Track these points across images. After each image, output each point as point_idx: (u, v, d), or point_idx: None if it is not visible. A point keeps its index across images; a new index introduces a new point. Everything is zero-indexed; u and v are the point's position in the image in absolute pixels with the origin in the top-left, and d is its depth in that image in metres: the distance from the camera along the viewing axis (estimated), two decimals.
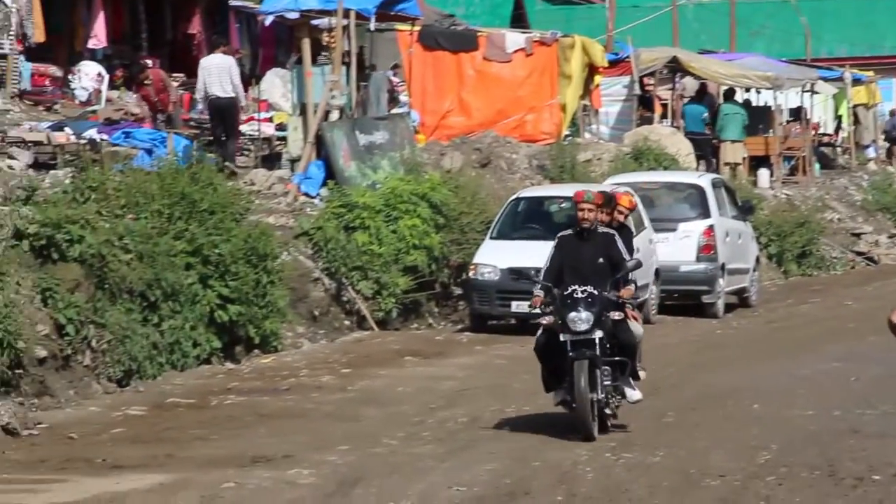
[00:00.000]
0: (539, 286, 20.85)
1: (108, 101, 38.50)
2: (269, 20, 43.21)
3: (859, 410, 25.55)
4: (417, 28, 45.38)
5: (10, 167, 30.72)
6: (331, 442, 22.55)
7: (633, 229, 24.72)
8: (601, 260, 20.61)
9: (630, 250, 22.18)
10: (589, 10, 71.75)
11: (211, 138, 38.38)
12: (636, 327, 21.71)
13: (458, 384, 28.21)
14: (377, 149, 38.36)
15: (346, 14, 39.42)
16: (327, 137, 37.84)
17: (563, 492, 19.83)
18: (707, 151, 53.17)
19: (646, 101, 55.25)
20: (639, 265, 21.65)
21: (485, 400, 26.49)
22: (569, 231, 21.42)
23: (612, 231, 21.47)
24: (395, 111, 41.77)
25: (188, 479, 20.05)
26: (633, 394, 21.62)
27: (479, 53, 47.16)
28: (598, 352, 20.58)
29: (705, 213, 38.75)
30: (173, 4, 44.48)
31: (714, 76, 56.74)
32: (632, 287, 21.23)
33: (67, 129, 34.53)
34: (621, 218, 23.00)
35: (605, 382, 20.90)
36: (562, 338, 20.13)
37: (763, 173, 55.00)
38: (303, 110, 38.50)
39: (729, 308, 39.01)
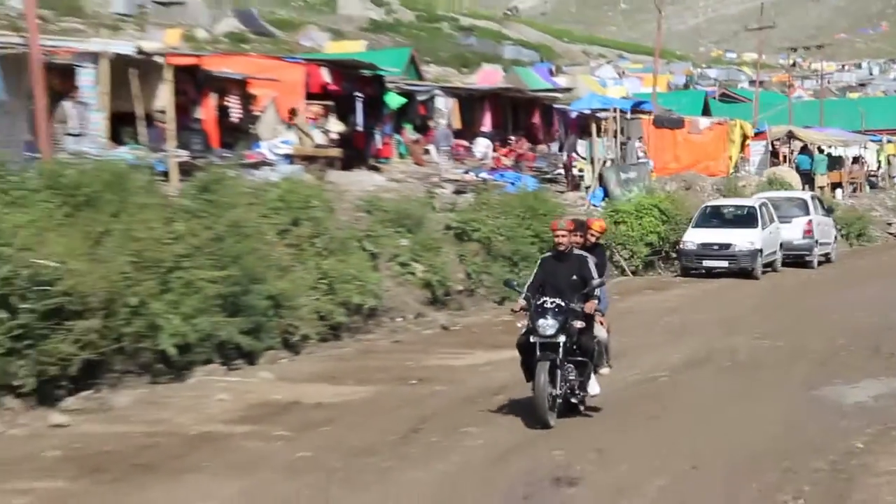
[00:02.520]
0: (522, 296, 15.08)
1: (492, 159, 38.88)
2: (574, 114, 43.50)
3: (893, 315, 25.14)
4: (652, 117, 45.38)
5: (442, 192, 31.19)
6: None
7: (604, 248, 17.84)
8: (574, 277, 14.95)
9: (603, 265, 16.29)
10: (744, 105, 70.66)
11: (547, 176, 39.02)
12: (601, 332, 15.56)
13: (674, 304, 28.06)
14: (631, 181, 38.31)
15: (615, 110, 39.64)
16: (604, 175, 37.89)
17: (729, 359, 19.80)
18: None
19: (774, 154, 54.56)
20: (602, 284, 15.43)
21: (688, 312, 26.42)
22: (549, 253, 15.52)
23: (584, 254, 15.38)
24: (640, 161, 41.77)
25: None
26: (593, 388, 15.18)
27: (685, 129, 46.92)
28: (560, 354, 14.58)
29: (807, 213, 38.11)
30: (524, 107, 44.70)
31: (812, 140, 55.95)
32: (595, 301, 15.04)
33: (471, 173, 34.97)
34: (593, 239, 16.60)
35: (570, 377, 14.78)
36: (531, 339, 14.65)
37: (838, 192, 54.09)
38: (592, 160, 38.64)
39: (819, 263, 38.36)
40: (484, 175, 34.99)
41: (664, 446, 13.55)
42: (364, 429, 14.28)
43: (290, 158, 28.19)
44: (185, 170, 23.55)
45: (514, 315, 15.30)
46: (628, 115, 42.23)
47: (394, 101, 36.13)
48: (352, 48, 68.99)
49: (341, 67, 34.51)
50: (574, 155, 40.47)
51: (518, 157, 40.15)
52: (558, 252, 15.07)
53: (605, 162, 38.62)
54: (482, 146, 39.65)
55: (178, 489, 11.66)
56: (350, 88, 33.54)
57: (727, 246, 33.78)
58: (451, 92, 42.06)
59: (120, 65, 23.88)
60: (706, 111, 62.90)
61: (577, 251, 15.22)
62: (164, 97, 24.78)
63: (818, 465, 12.56)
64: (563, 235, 14.98)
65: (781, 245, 36.31)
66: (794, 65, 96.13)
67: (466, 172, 35.24)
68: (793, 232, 37.36)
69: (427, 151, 37.65)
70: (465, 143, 39.87)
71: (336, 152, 30.67)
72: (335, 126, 32.10)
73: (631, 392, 16.92)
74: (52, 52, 23.84)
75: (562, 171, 40.60)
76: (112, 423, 14.52)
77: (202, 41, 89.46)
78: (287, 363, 19.11)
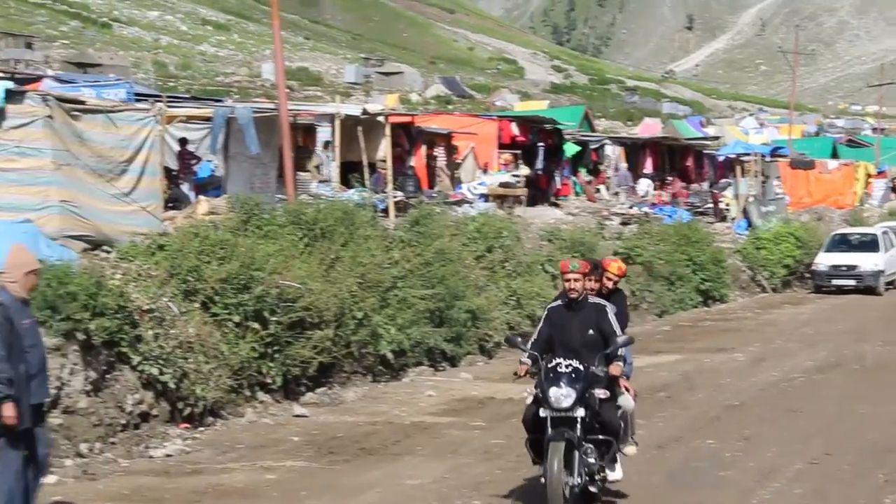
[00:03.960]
0: (527, 355, 9.68)
1: (655, 195, 38.36)
2: (721, 158, 42.70)
3: None
4: (788, 159, 44.21)
5: (610, 224, 30.77)
6: (751, 342, 21.94)
7: (624, 295, 11.33)
8: (591, 332, 9.63)
9: (624, 315, 10.70)
10: (867, 150, 68.23)
11: (699, 210, 38.26)
12: (626, 401, 10.06)
13: (808, 316, 27.18)
14: (770, 213, 37.29)
15: (756, 154, 38.75)
16: (748, 208, 36.99)
17: (857, 363, 19.01)
18: None
19: (893, 190, 52.52)
20: (630, 341, 9.89)
21: (820, 323, 25.50)
22: (558, 302, 9.89)
23: (602, 302, 9.91)
24: (778, 196, 40.70)
25: (687, 357, 19.77)
26: (614, 474, 9.82)
27: (816, 170, 45.56)
28: (578, 431, 9.30)
29: None
30: (679, 153, 44.02)
31: None
32: (621, 363, 9.72)
33: (634, 208, 34.40)
34: (610, 284, 10.84)
35: (590, 461, 9.45)
36: (542, 413, 9.39)
37: None
38: (737, 196, 37.79)
39: None
40: (646, 209, 34.52)
41: (802, 436, 13.13)
42: None
43: (485, 197, 28.27)
44: (401, 207, 23.79)
45: (516, 379, 10.04)
46: (768, 159, 41.24)
47: (570, 149, 36.14)
48: (536, 106, 68.92)
49: (527, 122, 34.63)
50: (721, 192, 39.62)
51: (674, 195, 39.50)
52: (570, 300, 9.80)
53: (748, 197, 37.70)
54: (644, 185, 39.14)
55: (396, 469, 11.67)
56: (535, 139, 33.65)
57: (854, 267, 32.72)
58: (618, 141, 41.79)
59: (349, 123, 24.24)
60: (834, 154, 60.91)
61: (592, 299, 9.97)
62: (384, 148, 25.10)
63: None
64: (575, 280, 9.74)
65: None
66: None
67: (631, 207, 34.82)
68: None
69: (598, 190, 37.36)
70: (633, 183, 39.51)
71: (523, 191, 30.67)
72: (522, 170, 32.05)
73: (772, 390, 16.45)
74: (297, 115, 24.42)
75: (711, 205, 39.82)
76: (342, 414, 14.64)
77: (415, 103, 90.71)
78: (483, 365, 19.05)
